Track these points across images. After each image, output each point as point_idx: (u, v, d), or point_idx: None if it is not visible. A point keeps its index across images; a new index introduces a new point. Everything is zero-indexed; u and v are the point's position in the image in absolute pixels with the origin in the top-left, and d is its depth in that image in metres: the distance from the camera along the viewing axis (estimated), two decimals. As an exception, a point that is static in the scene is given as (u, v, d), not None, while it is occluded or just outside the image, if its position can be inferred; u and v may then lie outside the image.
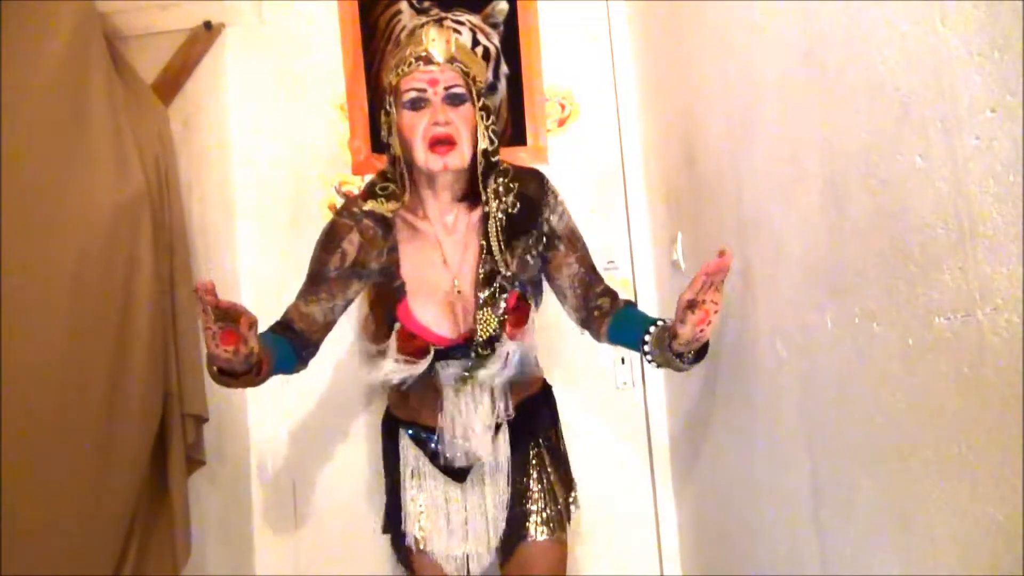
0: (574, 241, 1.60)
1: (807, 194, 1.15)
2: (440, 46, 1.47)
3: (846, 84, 1.01)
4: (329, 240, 1.55)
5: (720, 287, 1.33)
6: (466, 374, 1.56)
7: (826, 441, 1.16)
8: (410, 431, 1.64)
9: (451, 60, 1.47)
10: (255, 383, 1.37)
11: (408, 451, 1.65)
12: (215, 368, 1.30)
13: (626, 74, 2.23)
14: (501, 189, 1.54)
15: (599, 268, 1.65)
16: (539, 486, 1.64)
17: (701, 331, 1.34)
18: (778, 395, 1.34)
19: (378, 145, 2.13)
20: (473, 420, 1.57)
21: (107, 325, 1.69)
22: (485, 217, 1.53)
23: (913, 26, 0.85)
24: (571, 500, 1.73)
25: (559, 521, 1.64)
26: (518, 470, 1.63)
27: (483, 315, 1.50)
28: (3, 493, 1.44)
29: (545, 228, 1.57)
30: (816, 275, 1.15)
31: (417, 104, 1.46)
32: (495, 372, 1.54)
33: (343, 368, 2.18)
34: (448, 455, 1.59)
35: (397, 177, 1.53)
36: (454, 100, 1.47)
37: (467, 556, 1.61)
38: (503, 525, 1.61)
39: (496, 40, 2.23)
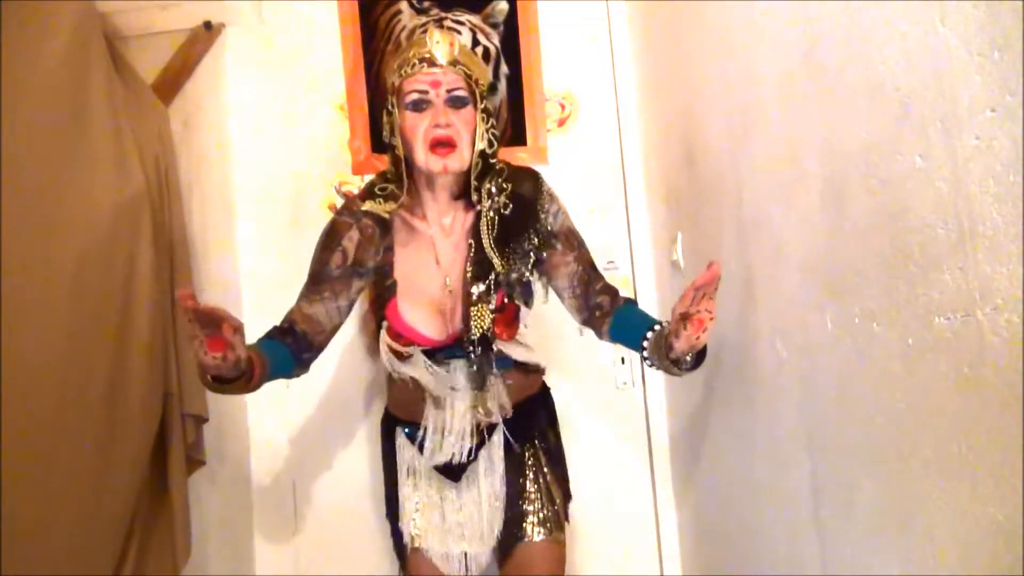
0: (571, 240, 1.60)
1: (807, 194, 1.15)
2: (443, 48, 1.49)
3: (846, 84, 1.01)
4: (329, 239, 1.57)
5: (713, 295, 1.32)
6: (475, 406, 1.57)
7: (826, 441, 1.16)
8: (406, 429, 1.65)
9: (454, 63, 1.49)
10: (248, 389, 1.38)
11: (404, 450, 1.66)
12: (208, 377, 1.31)
13: (626, 74, 2.23)
14: (494, 189, 1.55)
15: (600, 268, 1.65)
16: (536, 486, 1.64)
17: (697, 339, 1.33)
18: (778, 395, 1.34)
19: (378, 145, 2.13)
20: (454, 422, 1.58)
21: (107, 325, 1.69)
22: (478, 217, 1.55)
23: (913, 26, 0.85)
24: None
25: (556, 521, 1.64)
26: (514, 470, 1.63)
27: (476, 310, 1.51)
28: (3, 493, 1.44)
29: (541, 228, 1.57)
30: (816, 275, 1.15)
31: (419, 105, 1.48)
32: (497, 392, 1.56)
33: (344, 369, 2.19)
34: (429, 453, 1.59)
35: (397, 177, 1.55)
36: (456, 102, 1.49)
37: (463, 555, 1.61)
38: (499, 524, 1.61)
39: (496, 40, 2.23)
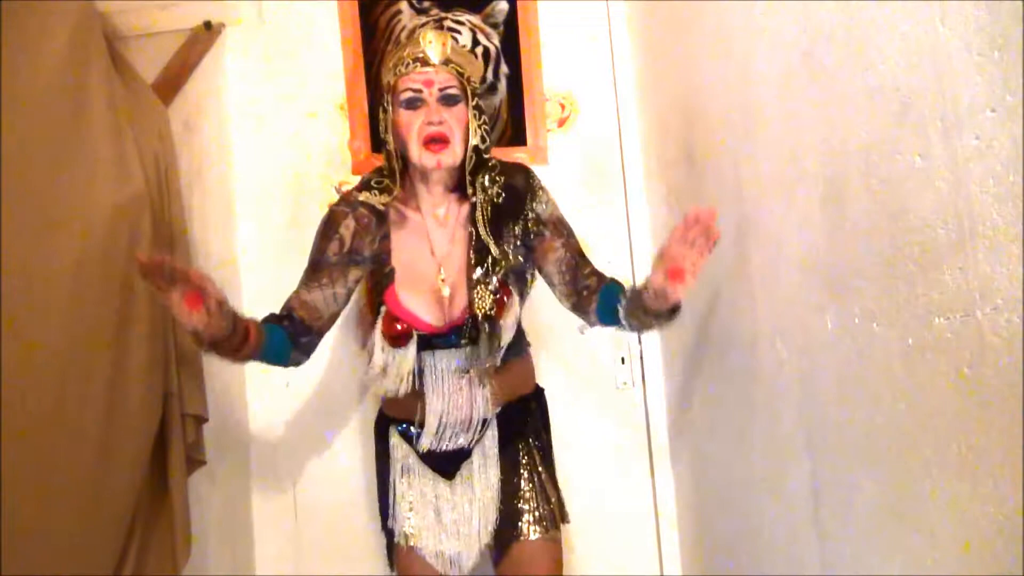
0: (560, 227, 1.63)
1: (807, 194, 1.15)
2: (436, 48, 1.54)
3: (846, 84, 1.01)
4: (327, 228, 1.61)
5: (704, 252, 1.28)
6: (465, 367, 1.58)
7: (826, 441, 1.16)
8: (400, 427, 1.66)
9: (446, 62, 1.54)
10: (245, 353, 1.38)
11: (397, 449, 1.67)
12: (204, 343, 1.32)
13: (626, 74, 2.23)
14: (487, 181, 1.60)
15: (599, 267, 1.65)
16: (530, 484, 1.64)
17: (673, 288, 1.29)
18: (778, 395, 1.34)
19: (378, 145, 2.13)
20: (457, 406, 1.59)
21: (107, 325, 1.69)
22: (473, 207, 1.59)
23: (913, 26, 0.85)
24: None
25: (552, 519, 1.64)
26: (508, 469, 1.64)
27: (479, 292, 1.54)
28: (3, 493, 1.44)
29: (531, 216, 1.61)
30: (816, 275, 1.15)
31: (413, 104, 1.53)
32: (490, 356, 1.57)
33: (343, 369, 2.18)
34: (431, 443, 1.60)
35: (392, 172, 1.60)
36: (448, 100, 1.54)
37: (457, 554, 1.62)
38: (493, 523, 1.62)
39: (496, 40, 2.23)
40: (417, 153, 1.53)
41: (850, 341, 1.05)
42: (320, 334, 1.59)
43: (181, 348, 1.97)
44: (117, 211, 1.73)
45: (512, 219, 1.60)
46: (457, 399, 1.59)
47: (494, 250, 1.56)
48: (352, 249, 1.59)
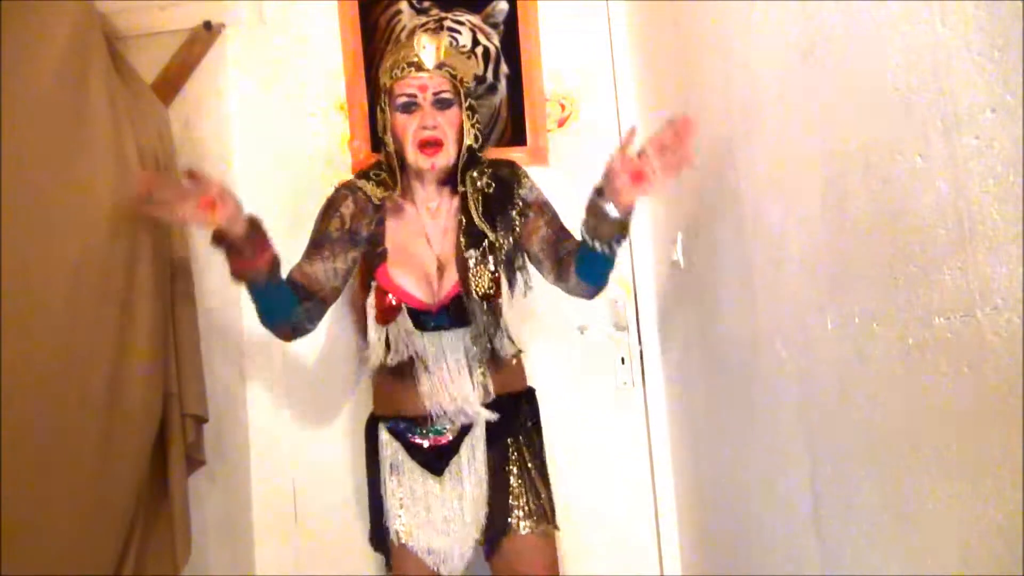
0: (544, 209, 1.71)
1: (807, 194, 1.15)
2: (430, 53, 1.63)
3: (846, 84, 1.01)
4: (328, 208, 1.69)
5: (672, 169, 1.36)
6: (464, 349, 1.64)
7: (826, 441, 1.16)
8: (389, 424, 1.68)
9: (440, 65, 1.63)
10: (263, 264, 1.46)
11: (387, 446, 1.68)
12: (228, 239, 1.41)
13: (626, 74, 2.23)
14: (476, 174, 1.69)
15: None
16: (520, 481, 1.65)
17: (631, 186, 1.38)
18: (778, 395, 1.34)
19: (378, 145, 2.13)
20: (457, 383, 1.63)
21: (107, 325, 1.69)
22: (464, 198, 1.68)
23: (913, 26, 0.85)
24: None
25: (542, 514, 1.65)
26: (498, 465, 1.65)
27: (476, 271, 1.62)
28: (3, 493, 1.44)
29: (518, 202, 1.69)
30: (816, 275, 1.15)
31: (408, 108, 1.62)
32: (491, 334, 1.62)
33: (344, 369, 2.18)
34: (435, 415, 1.63)
35: (390, 170, 1.69)
36: (442, 104, 1.63)
37: (449, 551, 1.62)
38: (483, 518, 1.62)
39: (496, 40, 2.23)
40: (413, 155, 1.62)
41: (850, 341, 1.05)
42: (323, 303, 1.63)
43: (181, 348, 1.97)
44: (117, 211, 1.73)
45: (501, 206, 1.67)
46: (448, 382, 1.63)
47: (490, 235, 1.64)
48: (352, 229, 1.66)
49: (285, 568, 2.17)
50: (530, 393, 1.78)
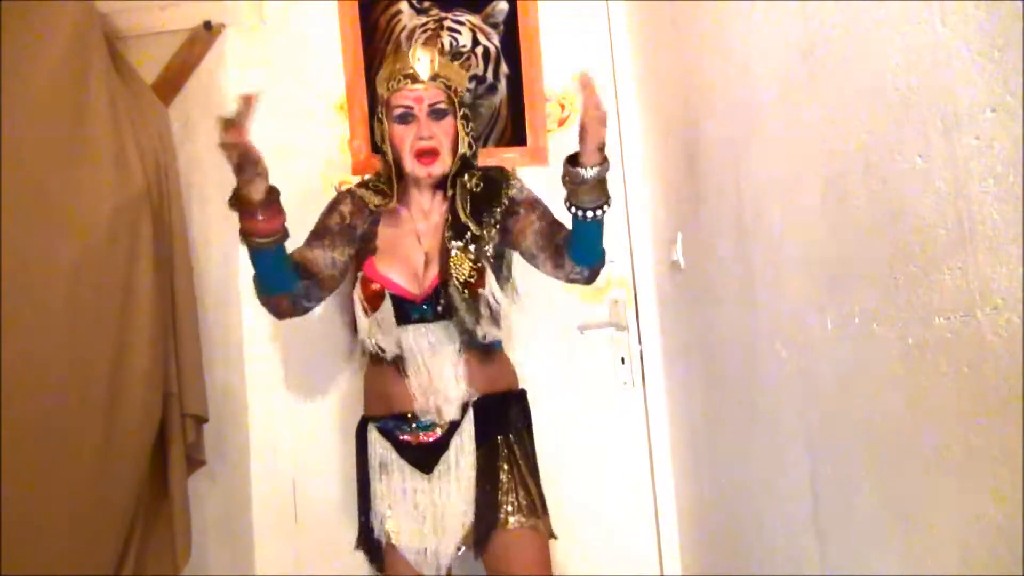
0: (535, 205, 1.74)
1: (807, 194, 1.15)
2: (425, 65, 1.69)
3: (846, 84, 1.01)
4: (330, 207, 1.78)
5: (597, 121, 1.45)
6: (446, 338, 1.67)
7: (826, 441, 1.16)
8: (379, 424, 1.69)
9: (434, 77, 1.68)
10: (276, 227, 1.52)
11: (376, 445, 1.69)
12: (241, 205, 1.51)
13: (626, 74, 2.23)
14: (467, 178, 1.75)
15: None
16: (509, 476, 1.65)
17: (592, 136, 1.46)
18: (778, 395, 1.34)
19: (377, 146, 2.14)
20: (439, 378, 1.66)
21: (107, 325, 1.69)
22: (453, 198, 1.73)
23: (913, 26, 0.85)
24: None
25: (532, 509, 1.65)
26: (487, 462, 1.65)
27: (457, 259, 1.65)
28: (3, 493, 1.44)
29: (505, 201, 1.73)
30: (816, 275, 1.15)
31: (405, 119, 1.69)
32: (473, 322, 1.65)
33: (344, 369, 2.19)
34: (419, 412, 1.66)
35: (388, 179, 1.75)
36: (437, 115, 1.69)
37: (437, 549, 1.63)
38: (471, 516, 1.63)
39: (496, 40, 2.23)
40: (410, 164, 1.69)
41: (850, 341, 1.05)
42: (320, 286, 1.66)
43: (181, 348, 1.97)
44: (117, 211, 1.74)
45: (488, 204, 1.72)
46: (435, 373, 1.65)
47: (474, 228, 1.69)
48: (350, 224, 1.74)
49: (285, 568, 2.17)
50: (521, 395, 1.79)
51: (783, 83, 1.21)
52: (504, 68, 2.23)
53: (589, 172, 1.49)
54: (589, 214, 1.54)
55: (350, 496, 2.14)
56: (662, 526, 2.17)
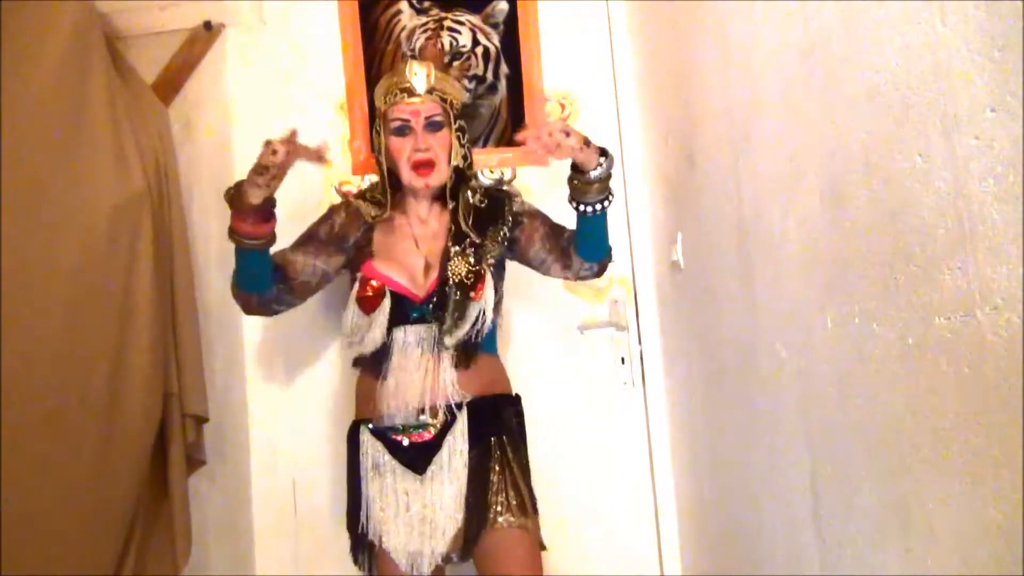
0: (537, 214, 1.81)
1: (807, 194, 1.15)
2: (421, 79, 1.73)
3: (846, 84, 1.01)
4: (324, 216, 1.83)
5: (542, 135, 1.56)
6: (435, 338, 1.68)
7: (826, 441, 1.16)
8: (371, 425, 1.70)
9: (431, 91, 1.73)
10: (267, 229, 1.60)
11: (368, 445, 1.69)
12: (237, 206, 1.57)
13: (626, 74, 2.23)
14: (470, 193, 1.79)
15: None
16: (500, 477, 1.66)
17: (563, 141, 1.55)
18: (778, 395, 1.34)
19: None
20: (431, 374, 1.66)
21: (107, 325, 1.69)
22: (455, 211, 1.76)
23: (913, 26, 0.85)
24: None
25: (522, 509, 1.65)
26: (479, 464, 1.65)
27: (455, 261, 1.70)
28: (3, 493, 1.44)
29: (509, 217, 1.78)
30: (816, 275, 1.15)
31: (402, 131, 1.73)
32: (458, 323, 1.66)
33: (343, 370, 2.18)
34: (391, 411, 1.66)
35: (384, 190, 1.79)
36: (433, 127, 1.73)
37: (428, 550, 1.63)
38: (462, 517, 1.63)
39: (496, 40, 2.23)
40: (407, 176, 1.74)
41: (850, 341, 1.05)
42: (291, 293, 1.72)
43: (181, 348, 1.97)
44: (117, 211, 1.74)
45: (492, 221, 1.77)
46: (422, 374, 1.66)
47: (475, 237, 1.73)
48: (339, 235, 1.77)
49: (285, 568, 2.17)
50: (516, 399, 1.80)
51: (783, 83, 1.21)
52: (504, 68, 2.23)
53: (596, 172, 1.58)
54: (594, 207, 1.61)
55: (350, 496, 2.15)
56: (662, 526, 2.17)
